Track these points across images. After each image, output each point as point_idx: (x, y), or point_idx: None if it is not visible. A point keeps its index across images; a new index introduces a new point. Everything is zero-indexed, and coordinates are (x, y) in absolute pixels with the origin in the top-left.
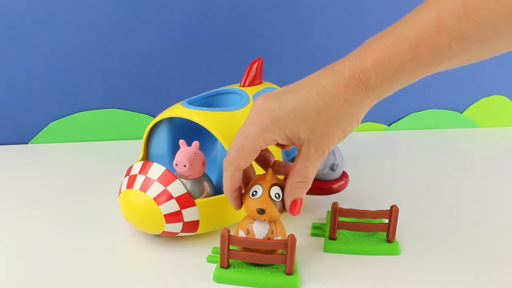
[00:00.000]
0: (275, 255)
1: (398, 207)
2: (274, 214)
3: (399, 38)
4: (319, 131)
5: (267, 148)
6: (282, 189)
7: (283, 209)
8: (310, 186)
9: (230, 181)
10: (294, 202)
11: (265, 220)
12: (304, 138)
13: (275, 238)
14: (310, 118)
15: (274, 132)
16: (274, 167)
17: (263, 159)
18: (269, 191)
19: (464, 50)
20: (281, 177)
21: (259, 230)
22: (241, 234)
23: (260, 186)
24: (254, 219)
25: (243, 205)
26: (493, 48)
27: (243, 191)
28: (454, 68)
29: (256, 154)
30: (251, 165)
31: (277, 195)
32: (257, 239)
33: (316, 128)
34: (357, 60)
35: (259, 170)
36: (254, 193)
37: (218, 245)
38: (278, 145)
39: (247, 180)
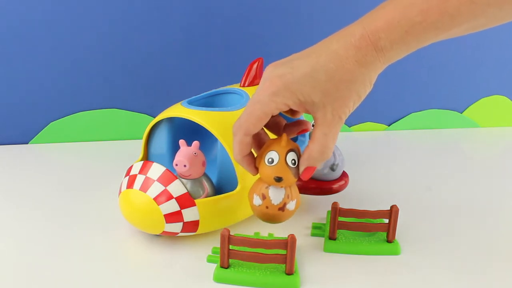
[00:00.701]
0: (275, 255)
1: (398, 207)
2: (290, 180)
3: (408, 2)
4: (333, 94)
5: (280, 116)
6: (297, 154)
7: (298, 174)
8: (329, 156)
9: (239, 146)
10: (307, 169)
11: (281, 186)
12: (318, 102)
13: (290, 202)
14: (323, 81)
15: (286, 96)
16: (286, 130)
17: (274, 125)
18: (285, 157)
19: (473, 15)
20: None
21: (275, 195)
22: (256, 199)
23: (276, 153)
24: (270, 185)
25: (258, 171)
26: (504, 14)
27: (255, 155)
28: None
29: (266, 119)
30: (264, 129)
31: (293, 161)
32: (257, 239)
33: (330, 91)
34: (367, 23)
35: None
36: (270, 160)
37: (218, 245)
38: (289, 113)
39: (260, 143)
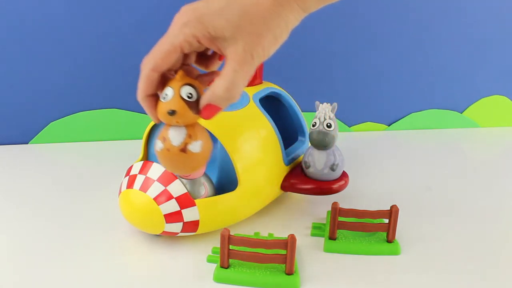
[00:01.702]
0: (275, 255)
1: (398, 207)
2: (187, 115)
3: None
4: (246, 29)
5: (192, 66)
6: (197, 89)
7: (198, 110)
8: (236, 98)
9: (144, 82)
10: (209, 107)
11: (178, 122)
12: (230, 37)
13: (193, 143)
14: (236, 15)
15: (196, 28)
16: (199, 78)
17: (187, 71)
18: (180, 91)
19: None
20: None
21: (175, 136)
22: (158, 143)
23: (170, 88)
24: (167, 124)
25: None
26: None
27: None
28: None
29: (176, 54)
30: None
31: (189, 95)
32: (257, 239)
33: (243, 25)
34: None
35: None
36: (165, 96)
37: (218, 245)
38: (203, 66)
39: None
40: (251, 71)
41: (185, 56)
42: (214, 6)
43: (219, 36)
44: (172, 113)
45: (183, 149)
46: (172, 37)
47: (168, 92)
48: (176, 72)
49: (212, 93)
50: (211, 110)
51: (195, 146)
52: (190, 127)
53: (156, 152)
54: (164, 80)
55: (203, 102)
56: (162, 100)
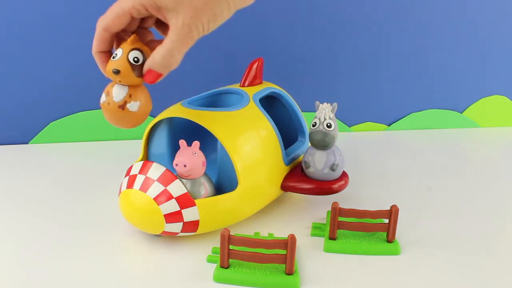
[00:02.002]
0: (275, 255)
1: (398, 207)
2: (130, 77)
3: None
4: (186, 4)
5: (147, 29)
6: (144, 55)
7: (141, 74)
8: (173, 66)
9: (97, 40)
10: (149, 72)
11: (121, 82)
12: (172, 8)
13: (132, 102)
14: None
15: None
16: (149, 43)
17: (142, 35)
18: (128, 54)
19: None
20: None
21: (117, 93)
22: (102, 96)
23: (120, 49)
24: (113, 81)
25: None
26: None
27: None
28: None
29: (126, 18)
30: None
31: (135, 59)
32: (257, 239)
33: (183, 1)
34: None
35: None
36: (114, 55)
37: (218, 245)
38: (158, 22)
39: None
40: (189, 43)
41: (142, 20)
42: None
43: (163, 7)
44: (116, 72)
45: (121, 106)
46: (124, 1)
47: (118, 52)
48: (132, 34)
49: (151, 59)
50: (152, 75)
51: (133, 106)
52: (133, 87)
53: (100, 105)
54: (119, 39)
55: (146, 67)
56: (112, 59)
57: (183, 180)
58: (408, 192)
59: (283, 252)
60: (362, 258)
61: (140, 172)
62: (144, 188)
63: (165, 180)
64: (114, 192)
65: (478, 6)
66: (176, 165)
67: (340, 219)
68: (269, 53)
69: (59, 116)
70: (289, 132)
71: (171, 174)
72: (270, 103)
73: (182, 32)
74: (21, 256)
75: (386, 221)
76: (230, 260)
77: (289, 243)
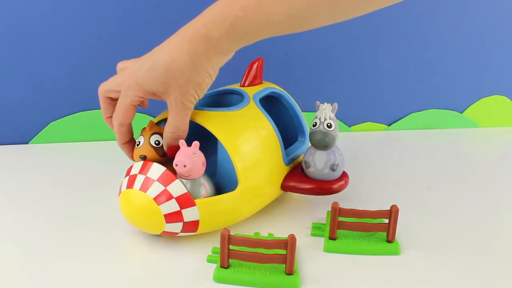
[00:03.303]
0: (275, 255)
1: (398, 207)
2: (155, 158)
3: None
4: (172, 85)
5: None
6: (162, 137)
7: (165, 153)
8: (182, 136)
9: (118, 136)
10: (169, 148)
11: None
12: (163, 92)
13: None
14: (161, 74)
15: (136, 89)
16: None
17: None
18: (149, 139)
19: (285, 15)
20: None
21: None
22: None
23: (142, 137)
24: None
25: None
26: (312, 19)
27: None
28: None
29: (132, 110)
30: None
31: (156, 142)
32: (257, 239)
33: (169, 82)
34: (201, 17)
35: None
36: (138, 143)
37: (218, 245)
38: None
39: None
40: (187, 114)
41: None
42: (144, 67)
43: (155, 92)
44: (144, 157)
45: None
46: (122, 98)
47: (141, 140)
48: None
49: (165, 138)
50: (171, 149)
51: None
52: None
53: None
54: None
55: (164, 147)
56: (137, 147)
57: (183, 180)
58: (408, 192)
59: (283, 252)
60: (362, 258)
61: (140, 172)
62: (144, 188)
63: (165, 180)
64: (114, 192)
65: (478, 6)
66: (176, 165)
67: (340, 219)
68: (269, 53)
69: (59, 116)
70: (289, 132)
71: (171, 174)
72: (270, 103)
73: (177, 109)
74: (21, 256)
75: (386, 221)
76: (230, 260)
77: (289, 243)
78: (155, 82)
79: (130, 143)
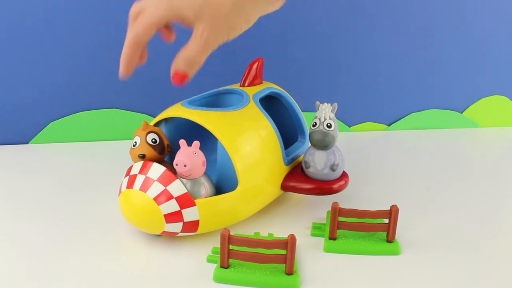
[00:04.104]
0: (275, 255)
1: (398, 207)
2: (154, 156)
3: None
4: (205, 14)
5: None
6: (158, 134)
7: (163, 150)
8: (195, 66)
9: (125, 50)
10: (176, 73)
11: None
12: (193, 19)
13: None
14: (198, 3)
15: (167, 10)
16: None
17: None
18: (146, 138)
19: None
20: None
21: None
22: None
23: (138, 137)
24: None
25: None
26: None
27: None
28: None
29: (153, 30)
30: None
31: (153, 140)
32: (257, 239)
33: (203, 10)
34: None
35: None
36: (134, 143)
37: (218, 245)
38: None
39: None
40: (207, 50)
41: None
42: None
43: (185, 17)
44: (142, 156)
45: None
46: (149, 15)
47: (137, 140)
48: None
49: (175, 62)
50: (178, 76)
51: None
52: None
53: None
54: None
55: (172, 71)
56: (133, 147)
57: (183, 180)
58: (408, 192)
59: (283, 252)
60: (362, 258)
61: (140, 172)
62: (144, 188)
63: (165, 180)
64: (114, 192)
65: (478, 6)
66: (176, 165)
67: (340, 219)
68: (269, 53)
69: (59, 116)
70: (289, 132)
71: (171, 174)
72: (270, 103)
73: (200, 42)
74: (21, 256)
75: (386, 221)
76: (230, 260)
77: (289, 243)
78: (189, 8)
79: (133, 57)
